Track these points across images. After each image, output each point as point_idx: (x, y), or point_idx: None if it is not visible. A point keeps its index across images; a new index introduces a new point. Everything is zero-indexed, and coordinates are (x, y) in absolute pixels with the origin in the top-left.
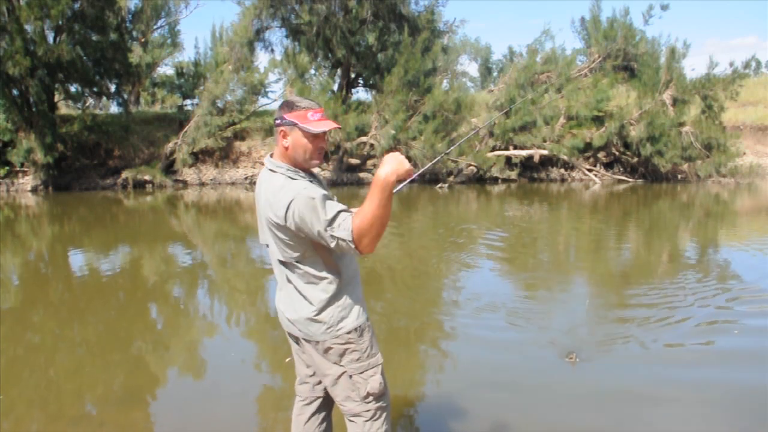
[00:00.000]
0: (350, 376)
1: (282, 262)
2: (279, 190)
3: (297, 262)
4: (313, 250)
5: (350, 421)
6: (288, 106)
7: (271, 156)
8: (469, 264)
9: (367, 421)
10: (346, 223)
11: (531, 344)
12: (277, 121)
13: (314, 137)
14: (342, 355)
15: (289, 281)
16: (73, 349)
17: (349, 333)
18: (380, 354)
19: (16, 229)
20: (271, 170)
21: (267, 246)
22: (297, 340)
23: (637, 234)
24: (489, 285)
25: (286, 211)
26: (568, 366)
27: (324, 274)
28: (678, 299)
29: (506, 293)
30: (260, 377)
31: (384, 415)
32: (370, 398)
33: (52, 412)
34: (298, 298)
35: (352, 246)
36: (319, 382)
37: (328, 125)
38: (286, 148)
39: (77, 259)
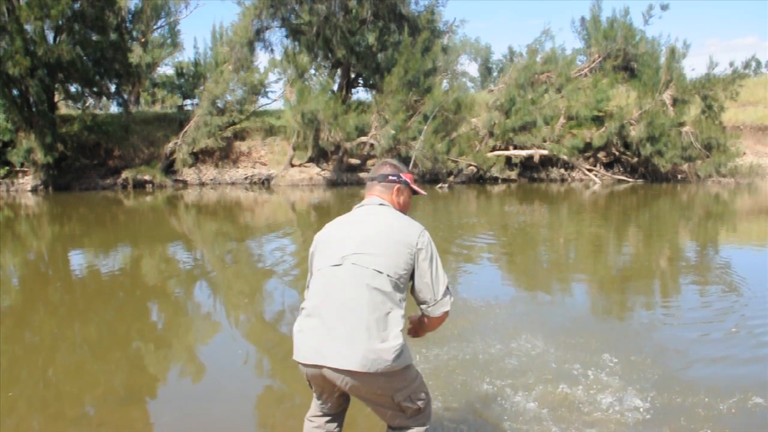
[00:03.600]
0: (398, 404)
1: (378, 275)
2: (408, 219)
3: (402, 282)
4: (406, 281)
5: (394, 428)
6: (402, 167)
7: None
8: (470, 264)
9: (412, 428)
10: (450, 301)
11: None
12: (393, 178)
13: (410, 199)
14: (394, 389)
15: (370, 300)
16: (73, 349)
17: (407, 365)
18: (420, 373)
19: (16, 229)
20: (384, 205)
21: (340, 263)
22: (341, 372)
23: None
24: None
25: (421, 235)
26: None
27: (404, 303)
28: None
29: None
30: (260, 377)
31: (428, 423)
32: (417, 413)
33: (52, 412)
34: (376, 319)
35: (435, 315)
36: (343, 403)
37: (424, 191)
38: (398, 203)
39: (77, 259)
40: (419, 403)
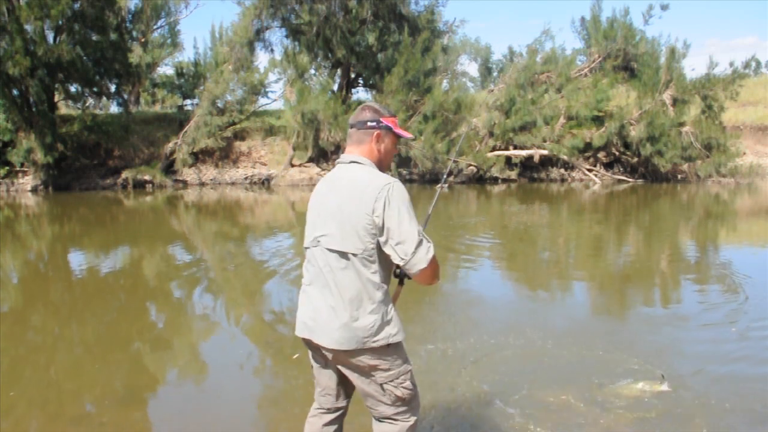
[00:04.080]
0: (381, 385)
1: (343, 256)
2: (372, 174)
3: (367, 256)
4: (376, 250)
5: (380, 421)
6: (383, 110)
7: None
8: (469, 263)
9: (398, 422)
10: (431, 250)
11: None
12: (372, 123)
13: (396, 145)
14: (374, 366)
15: (341, 280)
16: (73, 349)
17: (389, 341)
18: (409, 361)
19: (16, 229)
20: (355, 162)
21: (316, 243)
22: (326, 350)
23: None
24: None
25: (378, 197)
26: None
27: (379, 275)
28: None
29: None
30: (260, 377)
31: (414, 419)
32: (400, 402)
33: (52, 412)
34: (348, 299)
35: (413, 274)
36: (342, 394)
37: (409, 134)
38: (379, 151)
39: (77, 259)
40: (404, 390)
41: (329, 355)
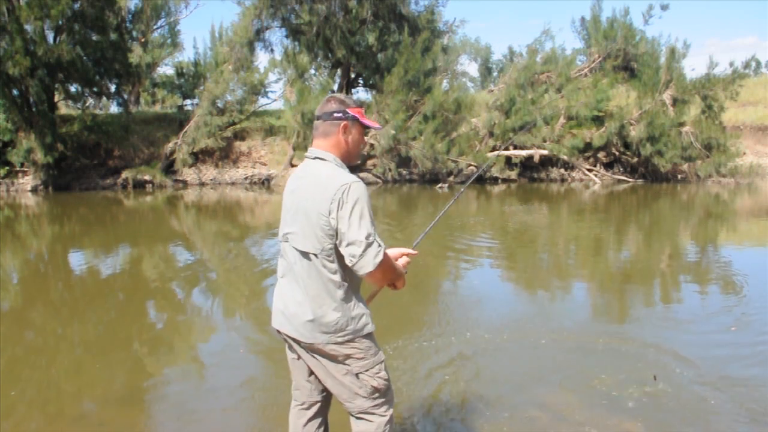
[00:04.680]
0: (356, 375)
1: (305, 255)
2: (333, 173)
3: (326, 256)
4: (335, 250)
5: (358, 418)
6: (349, 101)
7: (313, 148)
8: (469, 262)
9: (375, 416)
10: (381, 254)
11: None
12: (338, 114)
13: (364, 135)
14: (348, 355)
15: (306, 277)
16: (73, 349)
17: (357, 335)
18: (381, 351)
19: (16, 229)
20: (319, 158)
21: (286, 240)
22: (296, 342)
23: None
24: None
25: (336, 193)
26: None
27: (339, 275)
28: None
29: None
30: (260, 377)
31: (390, 412)
32: (377, 394)
33: (52, 412)
34: (312, 296)
35: (362, 275)
36: (316, 389)
37: (377, 124)
38: (347, 142)
39: (77, 259)
40: (380, 380)
41: (302, 346)
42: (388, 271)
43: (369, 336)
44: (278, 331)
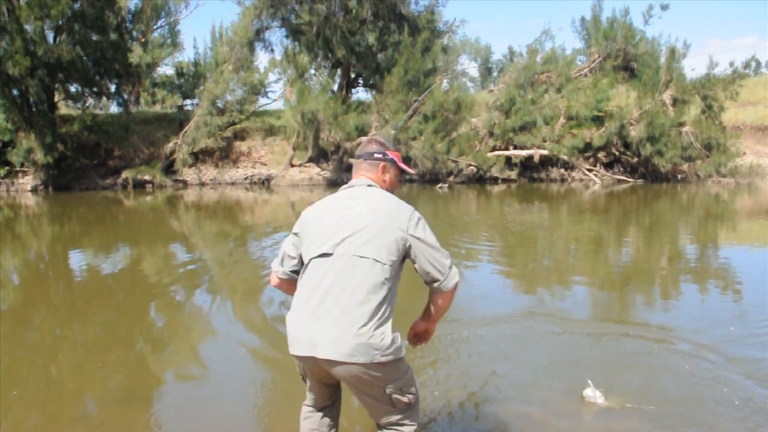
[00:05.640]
0: (391, 395)
1: (370, 264)
2: (397, 201)
3: (391, 266)
4: (399, 266)
5: (387, 429)
6: (388, 143)
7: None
8: (469, 262)
9: (405, 426)
10: (458, 275)
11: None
12: (379, 155)
13: (399, 179)
14: (386, 376)
15: (355, 288)
16: (73, 349)
17: (398, 355)
18: (412, 369)
19: (16, 229)
20: (373, 186)
21: (326, 254)
22: (329, 363)
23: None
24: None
25: (411, 217)
26: None
27: (394, 289)
28: None
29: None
30: (261, 377)
31: (416, 419)
32: (408, 409)
33: (52, 412)
34: (361, 310)
35: (449, 288)
36: (331, 393)
37: (413, 170)
38: (385, 182)
39: (77, 259)
40: (410, 396)
41: (335, 371)
42: (452, 297)
43: (403, 358)
44: (300, 358)
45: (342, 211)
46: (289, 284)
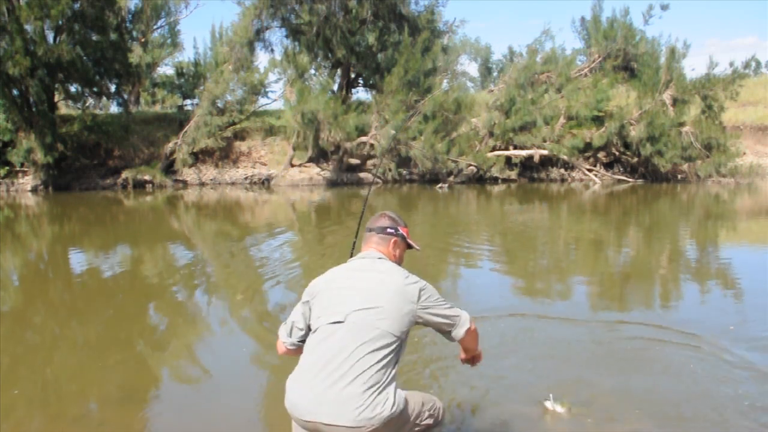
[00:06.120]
0: (413, 426)
1: (382, 336)
2: (406, 274)
3: (403, 338)
4: (407, 335)
5: None
6: (400, 220)
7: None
8: (468, 262)
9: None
10: (469, 320)
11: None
12: (391, 231)
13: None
14: (401, 423)
15: (365, 357)
16: (73, 349)
17: (403, 405)
18: (419, 394)
19: (16, 229)
20: (383, 258)
21: (336, 321)
22: (335, 428)
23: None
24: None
25: (422, 289)
26: None
27: (400, 357)
28: None
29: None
30: (261, 377)
31: (434, 419)
32: (429, 428)
33: (52, 412)
34: (366, 379)
35: (460, 336)
36: None
37: (418, 246)
38: (394, 255)
39: (77, 259)
40: (428, 420)
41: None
42: (475, 336)
43: (408, 398)
44: (303, 421)
45: (354, 282)
46: (297, 353)
